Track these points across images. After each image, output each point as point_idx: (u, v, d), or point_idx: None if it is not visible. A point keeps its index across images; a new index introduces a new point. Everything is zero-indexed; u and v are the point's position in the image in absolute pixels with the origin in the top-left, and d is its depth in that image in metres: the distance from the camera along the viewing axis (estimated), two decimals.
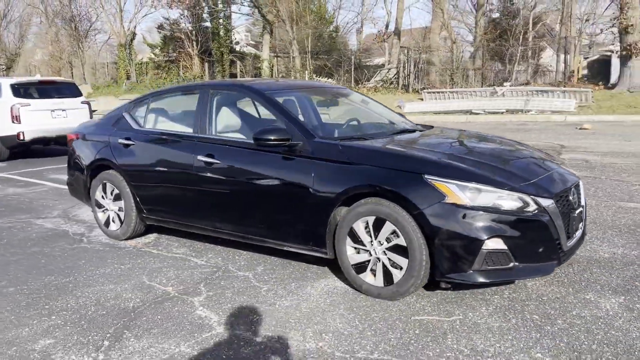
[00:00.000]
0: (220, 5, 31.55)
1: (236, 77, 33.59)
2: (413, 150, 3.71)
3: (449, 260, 3.17)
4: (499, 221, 3.13)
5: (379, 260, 3.43)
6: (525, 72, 32.41)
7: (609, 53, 42.64)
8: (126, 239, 5.04)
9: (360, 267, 3.52)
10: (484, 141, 4.27)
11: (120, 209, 4.99)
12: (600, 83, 25.59)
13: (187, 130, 4.60)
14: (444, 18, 23.62)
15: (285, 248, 3.99)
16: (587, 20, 41.55)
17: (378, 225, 3.39)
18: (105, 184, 5.06)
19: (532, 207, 3.20)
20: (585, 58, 38.21)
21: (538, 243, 3.20)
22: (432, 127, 4.73)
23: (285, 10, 26.36)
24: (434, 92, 21.00)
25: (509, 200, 3.19)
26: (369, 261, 3.48)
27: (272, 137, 3.78)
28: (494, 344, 2.85)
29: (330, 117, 5.92)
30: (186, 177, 4.39)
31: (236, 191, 4.12)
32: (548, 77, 34.64)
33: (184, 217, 4.55)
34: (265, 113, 4.57)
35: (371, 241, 3.44)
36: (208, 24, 34.52)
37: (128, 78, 35.62)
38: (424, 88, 22.81)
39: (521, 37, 27.53)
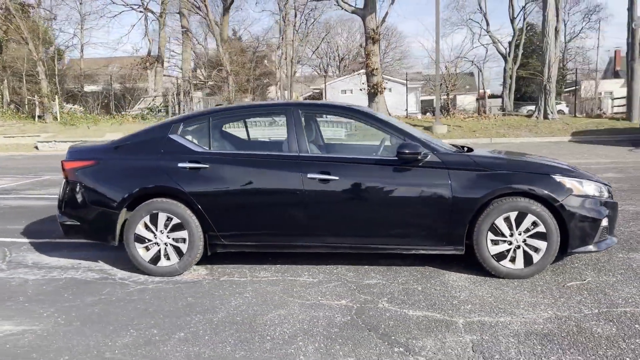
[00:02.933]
0: None
1: None
2: (527, 158, 4.67)
3: (579, 238, 4.23)
4: (602, 205, 4.34)
5: (519, 248, 4.26)
6: None
7: (318, 90, 50.03)
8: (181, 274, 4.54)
9: (499, 256, 4.27)
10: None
11: (178, 240, 4.48)
12: None
13: (273, 149, 4.56)
14: (223, 49, 24.36)
15: (412, 251, 4.42)
16: (298, 61, 47.93)
17: (519, 218, 4.22)
18: (156, 214, 4.46)
19: (606, 194, 4.51)
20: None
21: (615, 220, 4.54)
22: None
23: (25, 27, 23.15)
24: None
25: (597, 191, 4.43)
26: (509, 250, 4.26)
27: (412, 152, 4.23)
28: (638, 290, 4.01)
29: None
30: (292, 196, 4.36)
31: (361, 204, 4.35)
32: None
33: (284, 237, 4.46)
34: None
35: (511, 233, 4.25)
36: None
37: None
38: None
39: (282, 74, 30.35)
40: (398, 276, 4.41)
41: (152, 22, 27.81)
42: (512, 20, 45.98)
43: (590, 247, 4.30)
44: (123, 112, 23.53)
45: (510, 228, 4.24)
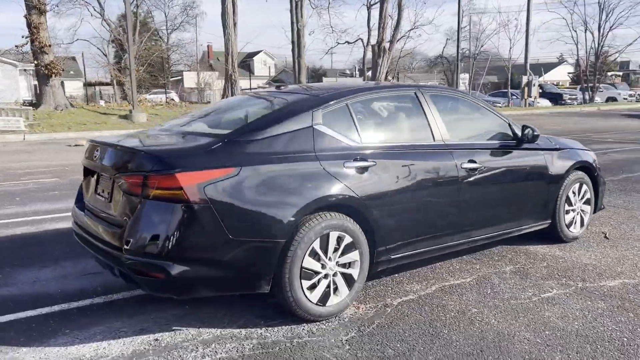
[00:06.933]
0: None
1: None
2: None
3: (601, 199, 5.24)
4: None
5: (578, 214, 4.96)
6: None
7: None
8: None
9: (569, 224, 4.87)
10: None
11: (346, 265, 3.35)
12: None
13: (417, 138, 3.90)
14: None
15: (522, 232, 4.54)
16: None
17: (579, 188, 4.92)
18: (326, 236, 3.20)
19: None
20: None
21: None
22: None
23: None
24: None
25: None
26: (574, 217, 4.92)
27: (537, 134, 4.41)
28: None
29: None
30: (451, 190, 3.86)
31: (498, 191, 4.22)
32: None
33: (439, 239, 3.88)
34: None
35: (576, 201, 4.91)
36: None
37: None
38: None
39: None
40: (510, 261, 4.44)
41: None
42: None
43: (602, 206, 5.39)
44: None
45: (576, 197, 4.91)
